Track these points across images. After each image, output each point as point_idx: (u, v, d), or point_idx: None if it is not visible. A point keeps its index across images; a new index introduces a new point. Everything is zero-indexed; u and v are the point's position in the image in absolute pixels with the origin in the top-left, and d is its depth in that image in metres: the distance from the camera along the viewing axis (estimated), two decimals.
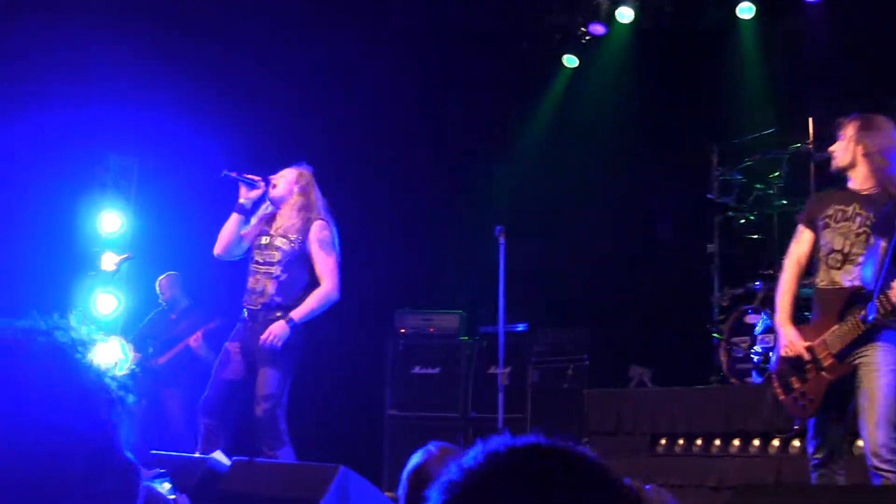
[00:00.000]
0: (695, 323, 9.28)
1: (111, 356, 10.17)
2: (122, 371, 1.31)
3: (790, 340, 5.44)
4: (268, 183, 7.00)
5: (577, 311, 10.42)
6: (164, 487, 4.07)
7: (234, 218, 6.95)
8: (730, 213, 9.27)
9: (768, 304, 8.43)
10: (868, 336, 5.14)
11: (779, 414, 6.83)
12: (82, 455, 1.20)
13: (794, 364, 5.41)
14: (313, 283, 6.79)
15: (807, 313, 6.00)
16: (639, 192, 10.90)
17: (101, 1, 9.77)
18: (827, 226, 5.48)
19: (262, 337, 6.53)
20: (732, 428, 7.77)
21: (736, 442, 7.74)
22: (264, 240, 6.88)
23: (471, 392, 10.32)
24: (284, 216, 6.92)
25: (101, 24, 9.58)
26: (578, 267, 10.88)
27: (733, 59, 10.88)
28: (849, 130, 5.56)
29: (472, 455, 1.40)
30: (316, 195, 7.03)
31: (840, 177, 5.64)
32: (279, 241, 6.81)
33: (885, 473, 4.94)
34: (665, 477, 7.53)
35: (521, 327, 10.27)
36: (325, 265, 6.79)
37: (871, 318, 5.10)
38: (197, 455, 6.00)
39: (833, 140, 5.68)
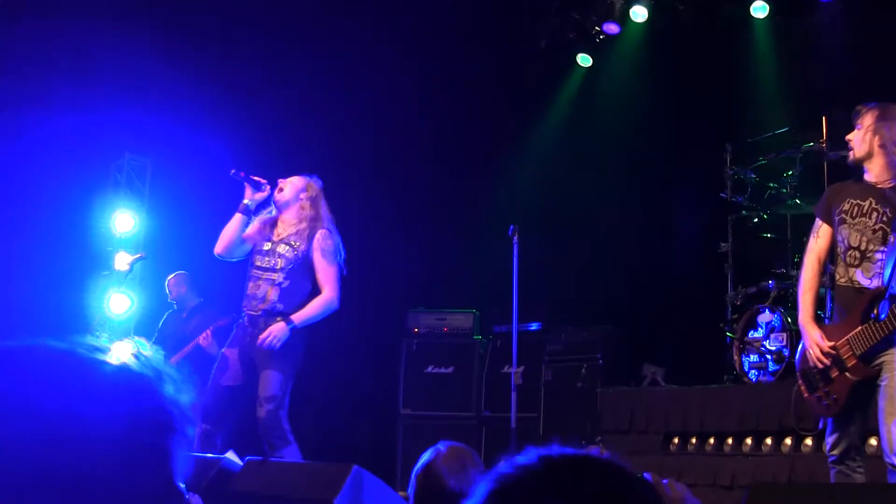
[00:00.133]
0: (708, 322, 9.25)
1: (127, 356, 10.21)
2: (186, 400, 1.33)
3: (814, 341, 5.37)
4: (274, 186, 7.02)
5: (590, 310, 10.40)
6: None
7: (238, 218, 6.97)
8: (743, 212, 9.24)
9: (781, 303, 8.42)
10: (892, 339, 5.09)
11: (803, 412, 6.80)
12: (136, 474, 1.22)
13: (821, 362, 5.38)
14: (315, 291, 6.83)
15: (819, 312, 5.94)
16: (652, 191, 10.88)
17: (115, 4, 9.80)
18: (843, 221, 5.41)
19: (262, 336, 6.57)
20: (745, 427, 7.75)
21: (749, 441, 7.72)
22: (267, 245, 6.90)
23: (484, 391, 10.32)
24: (287, 222, 6.96)
25: (114, 27, 9.61)
26: (592, 266, 10.85)
27: (747, 57, 10.85)
28: (866, 119, 5.45)
29: (526, 455, 1.41)
30: (324, 208, 7.05)
31: (857, 168, 5.54)
32: (282, 248, 6.84)
33: None
34: (678, 476, 7.51)
35: (534, 326, 10.27)
36: (327, 274, 6.83)
37: (883, 316, 5.07)
38: (210, 455, 6.02)
39: (850, 129, 5.59)
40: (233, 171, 6.99)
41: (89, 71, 9.76)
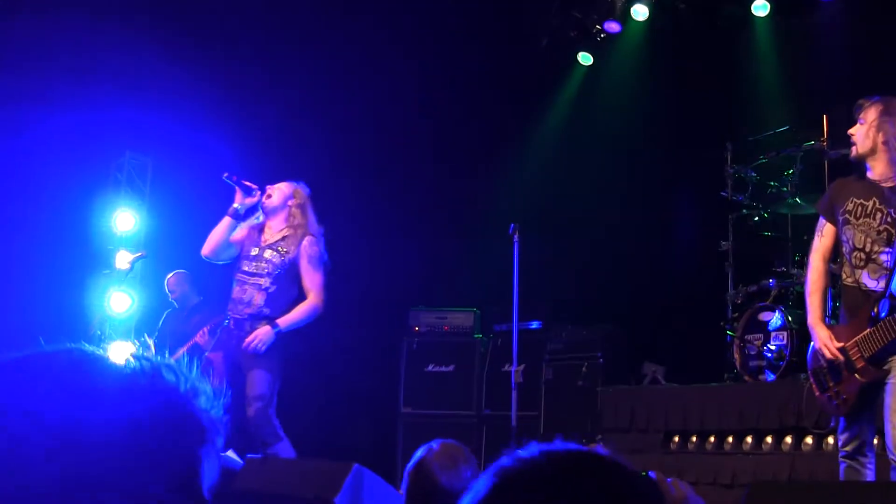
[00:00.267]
0: (708, 320, 9.25)
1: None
2: (217, 412, 1.35)
3: (823, 342, 5.36)
4: (263, 192, 7.08)
5: (590, 308, 10.41)
6: None
7: (226, 221, 7.06)
8: (744, 211, 9.25)
9: (782, 302, 8.42)
10: None
11: (815, 410, 6.80)
12: (162, 479, 1.23)
13: (829, 364, 5.36)
14: (300, 296, 6.91)
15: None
16: (652, 189, 10.87)
17: (116, 2, 9.80)
18: (847, 222, 5.37)
19: (248, 340, 6.65)
20: (746, 425, 7.76)
21: (749, 439, 7.72)
22: (254, 251, 6.98)
23: (485, 390, 10.33)
24: (274, 228, 7.05)
25: (115, 25, 9.62)
26: (592, 265, 10.86)
27: (748, 56, 10.85)
28: (870, 114, 5.37)
29: (528, 450, 1.41)
30: (311, 215, 7.12)
31: (859, 164, 5.48)
32: (269, 254, 6.92)
33: None
34: (678, 474, 7.50)
35: (535, 325, 10.28)
36: (313, 280, 6.94)
37: (883, 314, 5.07)
38: None
39: (851, 124, 5.52)
40: (225, 174, 7.07)
41: (90, 69, 9.77)
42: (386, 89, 11.16)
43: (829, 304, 5.79)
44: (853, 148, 5.45)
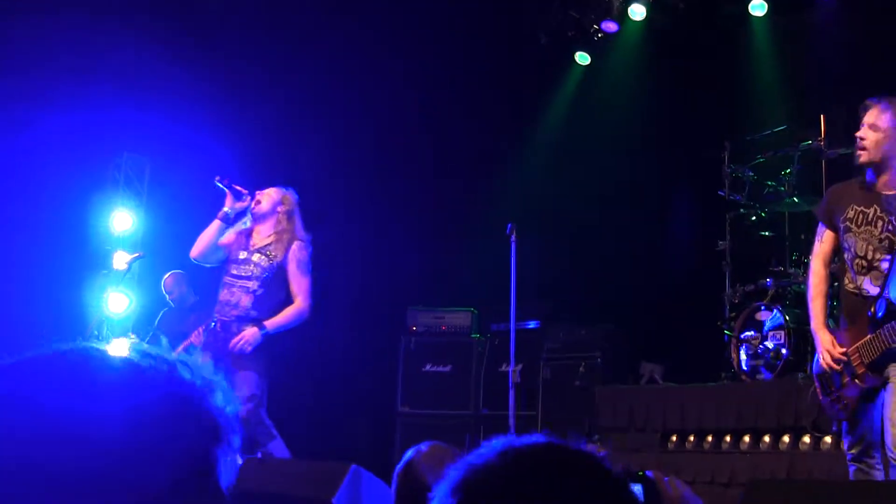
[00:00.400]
0: (706, 320, 9.26)
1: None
2: (232, 410, 1.35)
3: (825, 347, 5.38)
4: (252, 197, 7.14)
5: (588, 308, 10.42)
6: None
7: (216, 224, 7.15)
8: (741, 210, 9.25)
9: (779, 301, 8.43)
10: None
11: (819, 413, 6.80)
12: (174, 475, 1.24)
13: (831, 368, 5.38)
14: (288, 300, 6.97)
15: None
16: (650, 189, 10.88)
17: (116, 2, 9.80)
18: (848, 229, 5.36)
19: (234, 340, 6.70)
20: (743, 424, 7.77)
21: (747, 438, 7.74)
22: (242, 254, 7.06)
23: (482, 389, 10.33)
24: (262, 233, 7.13)
25: (114, 25, 9.61)
26: (590, 264, 10.86)
27: (745, 56, 10.86)
28: (883, 120, 5.27)
29: (483, 451, 1.42)
30: (298, 221, 7.19)
31: (861, 168, 5.43)
32: (257, 257, 6.99)
33: None
34: (676, 473, 7.49)
35: (532, 325, 10.28)
36: (300, 284, 7.01)
37: (880, 314, 5.08)
38: None
39: (851, 125, 5.45)
40: (217, 178, 7.15)
41: (88, 69, 9.75)
42: (383, 90, 11.15)
43: (828, 302, 5.80)
44: (862, 153, 5.35)
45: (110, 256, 10.45)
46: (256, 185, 7.32)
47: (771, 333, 8.21)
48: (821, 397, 5.52)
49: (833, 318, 6.10)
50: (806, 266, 6.93)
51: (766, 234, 9.19)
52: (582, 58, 11.76)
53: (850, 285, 5.36)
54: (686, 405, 8.25)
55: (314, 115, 10.91)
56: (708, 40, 10.73)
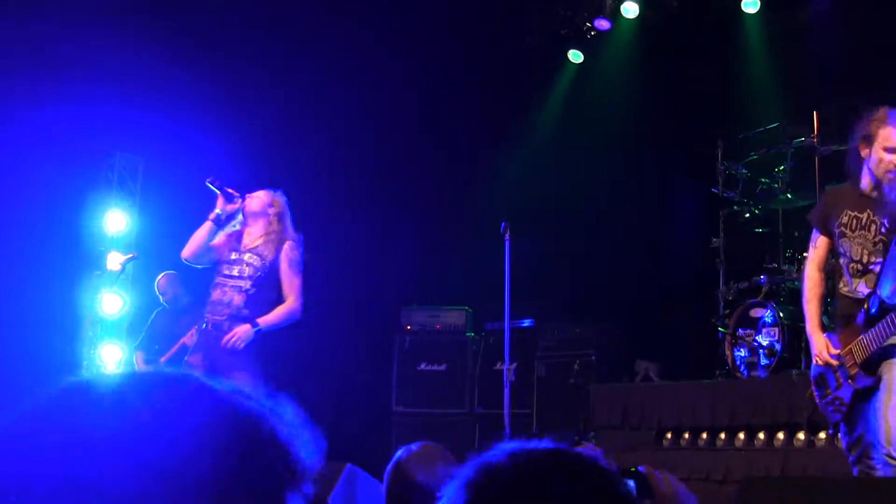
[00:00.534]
0: (700, 317, 9.27)
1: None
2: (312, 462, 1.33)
3: (819, 350, 5.42)
4: (243, 199, 7.17)
5: (582, 306, 10.43)
6: None
7: (208, 226, 7.17)
8: (735, 208, 9.27)
9: (773, 298, 8.44)
10: (891, 350, 5.09)
11: (814, 410, 6.82)
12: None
13: (827, 370, 5.41)
14: (279, 300, 6.99)
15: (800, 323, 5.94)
16: (643, 186, 10.89)
17: (111, 1, 9.77)
18: (843, 235, 5.37)
19: (227, 338, 6.71)
20: (738, 421, 7.77)
21: (741, 435, 7.74)
22: (233, 255, 7.09)
23: (477, 388, 10.34)
24: (253, 235, 7.16)
25: (107, 24, 9.58)
26: (584, 262, 10.87)
27: (738, 53, 10.87)
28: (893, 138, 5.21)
29: (495, 453, 1.44)
30: (288, 222, 7.23)
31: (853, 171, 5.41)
32: (249, 257, 7.03)
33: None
34: (671, 471, 7.48)
35: (527, 323, 10.29)
36: (292, 284, 7.04)
37: (873, 310, 5.09)
38: None
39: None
40: (208, 179, 7.18)
41: (80, 67, 9.72)
42: (378, 89, 11.15)
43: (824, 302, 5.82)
44: (880, 167, 5.26)
45: (104, 257, 10.45)
46: (255, 185, 7.33)
47: (765, 330, 8.22)
48: (817, 399, 5.54)
49: (828, 314, 6.11)
50: (800, 262, 6.95)
51: (760, 230, 9.20)
52: (575, 56, 11.78)
53: (845, 289, 5.39)
54: (681, 402, 8.25)
55: (311, 115, 10.90)
56: (701, 38, 10.75)
